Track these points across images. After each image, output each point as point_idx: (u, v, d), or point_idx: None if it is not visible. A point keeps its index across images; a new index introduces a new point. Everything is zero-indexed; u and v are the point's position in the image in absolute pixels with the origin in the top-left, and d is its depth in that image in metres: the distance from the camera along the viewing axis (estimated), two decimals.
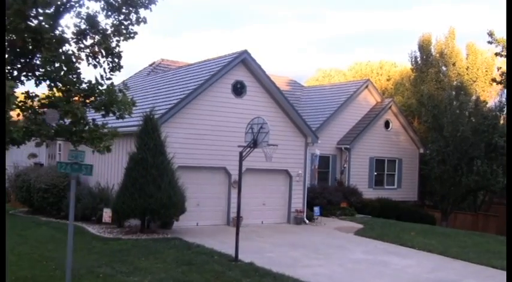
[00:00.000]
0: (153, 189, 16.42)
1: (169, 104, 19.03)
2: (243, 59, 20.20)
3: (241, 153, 14.08)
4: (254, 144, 14.00)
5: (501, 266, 14.70)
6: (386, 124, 29.74)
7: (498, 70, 24.60)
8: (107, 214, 17.83)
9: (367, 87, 29.64)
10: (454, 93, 27.57)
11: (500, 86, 26.91)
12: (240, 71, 20.30)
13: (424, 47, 29.57)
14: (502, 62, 25.98)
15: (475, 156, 26.44)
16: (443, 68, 29.58)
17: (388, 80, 41.67)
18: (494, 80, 25.50)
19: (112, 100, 10.26)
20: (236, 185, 19.38)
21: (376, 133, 29.26)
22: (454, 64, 28.95)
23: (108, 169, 20.33)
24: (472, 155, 27.03)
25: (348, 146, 27.80)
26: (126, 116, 10.18)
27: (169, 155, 17.47)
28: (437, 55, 29.54)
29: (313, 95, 31.41)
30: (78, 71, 9.69)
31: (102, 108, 10.31)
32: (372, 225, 21.78)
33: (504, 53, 20.72)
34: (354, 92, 28.95)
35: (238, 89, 20.23)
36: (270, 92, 20.93)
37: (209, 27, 74.84)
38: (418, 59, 30.02)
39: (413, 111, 32.99)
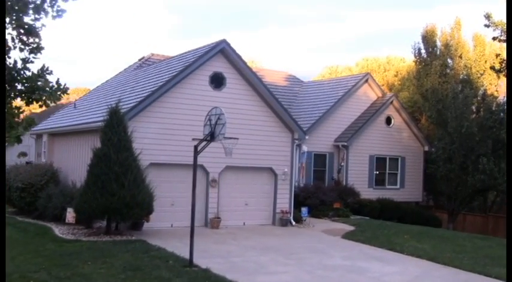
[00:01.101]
0: (115, 187, 15.23)
1: (141, 97, 17.83)
2: (222, 49, 18.89)
3: (196, 147, 12.79)
4: (211, 137, 12.68)
5: (496, 274, 13.18)
6: (388, 120, 28.11)
7: (497, 57, 22.79)
8: (70, 214, 16.74)
9: (367, 81, 28.05)
10: (459, 86, 25.76)
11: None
12: (219, 62, 19.00)
13: (427, 38, 27.86)
14: (500, 48, 24.18)
15: (481, 153, 24.68)
16: (449, 61, 27.80)
17: (395, 75, 39.92)
18: (492, 68, 23.69)
19: (33, 86, 9.11)
20: (215, 183, 18.15)
21: (377, 130, 27.65)
22: (460, 56, 27.15)
23: (80, 166, 19.24)
24: (478, 153, 25.28)
25: (345, 143, 26.27)
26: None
27: (137, 151, 16.28)
28: (443, 47, 27.79)
29: (311, 91, 29.95)
30: None
31: (23, 95, 9.17)
32: (364, 228, 20.26)
33: (503, 38, 18.96)
34: (352, 87, 27.38)
35: (217, 81, 18.93)
36: (253, 85, 19.58)
37: (229, 29, 73.54)
38: (422, 51, 28.32)
39: (420, 108, 31.26)
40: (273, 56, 73.60)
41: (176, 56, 22.24)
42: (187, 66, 18.15)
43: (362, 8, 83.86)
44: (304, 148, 21.29)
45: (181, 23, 69.99)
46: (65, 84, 9.94)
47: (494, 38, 18.73)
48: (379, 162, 27.84)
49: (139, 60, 27.70)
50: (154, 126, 17.69)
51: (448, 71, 27.89)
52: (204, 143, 12.93)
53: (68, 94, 10.58)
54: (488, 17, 19.70)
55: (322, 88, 29.38)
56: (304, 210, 20.63)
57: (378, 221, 23.32)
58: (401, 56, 42.60)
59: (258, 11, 76.70)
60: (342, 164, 26.46)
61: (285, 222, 19.92)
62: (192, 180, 18.54)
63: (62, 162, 21.74)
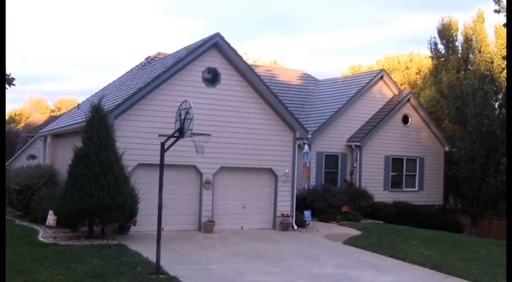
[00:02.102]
0: (94, 188, 14.45)
1: (128, 95, 17.03)
2: (216, 44, 17.93)
3: (162, 144, 11.83)
4: (180, 133, 11.70)
5: None
6: (405, 119, 26.58)
7: (506, 33, 20.94)
8: (51, 217, 16.07)
9: (382, 78, 26.60)
10: (477, 82, 24.01)
11: None
12: (212, 57, 18.04)
13: (444, 31, 26.19)
14: None
15: (504, 153, 22.93)
16: (471, 56, 26.02)
17: (417, 73, 38.11)
18: (505, 58, 21.90)
19: None
20: (209, 185, 17.20)
21: (393, 129, 26.17)
22: (479, 51, 25.37)
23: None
24: (502, 153, 23.52)
25: (358, 143, 24.90)
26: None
27: (120, 150, 15.48)
28: (464, 41, 26.04)
29: (325, 89, 28.67)
30: None
31: None
32: (371, 233, 18.92)
33: None
34: (366, 84, 25.99)
35: (211, 77, 17.97)
36: (250, 81, 18.54)
37: (267, 34, 72.27)
38: (439, 46, 26.67)
39: (443, 106, 29.55)
40: (304, 60, 72.25)
41: (172, 53, 21.42)
42: (178, 62, 17.27)
43: (402, 10, 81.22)
44: (306, 147, 20.06)
45: (205, 28, 69.35)
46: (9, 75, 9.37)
47: (505, 25, 17.09)
48: (396, 163, 26.34)
49: (146, 59, 27.05)
50: (143, 125, 16.84)
51: (469, 66, 26.11)
52: (172, 139, 11.85)
53: (14, 85, 9.93)
54: (498, 1, 18.07)
55: (336, 86, 28.09)
56: (307, 213, 19.42)
57: (390, 225, 21.88)
58: (424, 53, 40.80)
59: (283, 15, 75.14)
60: (355, 165, 25.09)
61: (285, 227, 18.76)
62: (183, 182, 17.77)
63: (61, 163, 21.19)
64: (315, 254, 14.91)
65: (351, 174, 25.09)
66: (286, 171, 19.00)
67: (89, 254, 12.87)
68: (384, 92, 26.71)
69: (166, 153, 17.17)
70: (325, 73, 66.39)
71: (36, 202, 18.38)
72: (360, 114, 25.91)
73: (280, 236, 17.74)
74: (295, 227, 19.05)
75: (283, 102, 19.32)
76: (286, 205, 19.07)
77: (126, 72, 27.39)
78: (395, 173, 26.39)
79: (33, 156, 30.06)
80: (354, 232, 19.06)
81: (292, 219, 19.13)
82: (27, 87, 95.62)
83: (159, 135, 12.62)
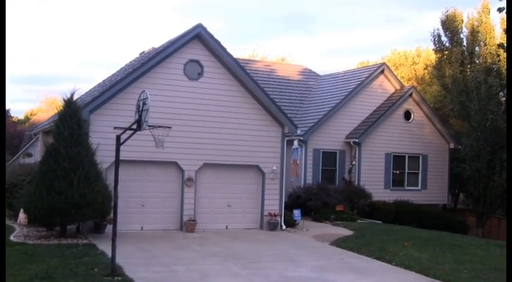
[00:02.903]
0: (63, 185, 13.82)
1: (106, 88, 16.37)
2: (198, 35, 17.18)
3: (118, 137, 11.09)
4: (138, 125, 10.95)
5: None
6: (407, 115, 25.52)
7: (506, 32, 19.70)
8: (22, 215, 15.47)
9: (383, 72, 25.57)
10: (481, 76, 22.83)
11: None
12: (195, 49, 17.30)
13: (448, 23, 25.01)
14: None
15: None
16: (477, 49, 24.81)
17: (425, 68, 36.85)
18: (501, 45, 20.69)
19: None
20: (191, 182, 16.48)
21: (394, 125, 25.14)
22: (485, 43, 24.15)
23: None
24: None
25: (356, 140, 23.92)
26: None
27: (94, 146, 14.84)
28: (469, 33, 24.84)
29: (325, 84, 27.74)
30: None
31: None
32: (362, 233, 18.00)
33: None
34: (365, 78, 24.99)
35: (193, 70, 17.23)
36: (236, 75, 17.74)
37: (287, 33, 70.99)
38: (443, 38, 25.50)
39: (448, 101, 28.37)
40: (316, 58, 70.86)
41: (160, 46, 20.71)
42: (157, 54, 16.57)
43: (421, 7, 79.12)
44: (296, 143, 19.18)
45: (226, 28, 68.40)
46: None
47: (499, 9, 15.99)
48: (397, 160, 25.31)
49: (140, 54, 26.40)
50: (120, 120, 15.98)
51: (476, 60, 24.91)
52: (129, 132, 11.13)
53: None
54: None
55: (336, 81, 27.14)
56: (296, 212, 18.59)
57: (387, 225, 20.93)
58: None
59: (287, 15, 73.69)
60: (353, 162, 24.13)
61: (273, 226, 17.93)
62: (164, 179, 17.06)
63: None
64: (296, 255, 14.07)
65: (350, 172, 24.14)
66: (274, 168, 18.16)
67: (51, 254, 12.23)
68: (385, 86, 25.68)
69: (146, 149, 16.59)
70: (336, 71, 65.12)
71: (17, 200, 17.85)
72: (359, 110, 24.94)
73: (265, 236, 16.92)
74: (284, 227, 18.21)
75: (271, 97, 18.51)
76: (274, 204, 18.22)
77: (120, 68, 26.80)
78: (396, 171, 25.37)
79: (29, 155, 29.75)
80: (346, 232, 18.16)
81: (281, 219, 18.29)
82: (47, 87, 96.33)
83: (114, 128, 11.85)
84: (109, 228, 15.74)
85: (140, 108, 10.89)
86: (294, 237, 17.13)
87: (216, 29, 68.21)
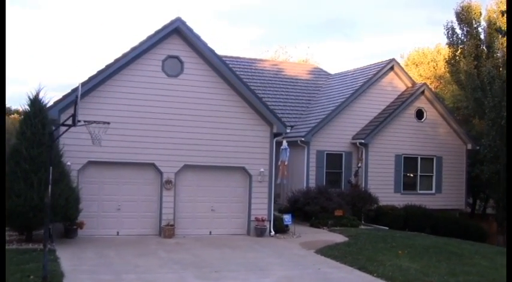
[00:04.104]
0: (23, 187, 13.18)
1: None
2: (178, 30, 16.28)
3: (50, 134, 10.23)
4: (73, 120, 10.07)
5: None
6: (419, 114, 23.89)
7: (503, 15, 17.86)
8: None
9: (392, 68, 24.03)
10: (495, 70, 21.04)
11: None
12: (174, 45, 16.41)
13: (463, 14, 23.21)
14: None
15: None
16: (496, 42, 22.96)
17: (445, 66, 34.81)
18: (498, 30, 18.79)
19: None
20: (170, 185, 15.57)
21: (405, 125, 23.56)
22: (504, 35, 22.19)
23: None
24: None
25: (362, 141, 22.49)
26: None
27: (61, 146, 14.14)
28: (487, 26, 23.01)
29: (335, 83, 26.40)
30: None
31: None
32: (357, 240, 16.63)
33: None
34: (373, 75, 23.52)
35: (172, 66, 16.33)
36: (219, 71, 16.74)
37: (327, 38, 69.35)
38: (457, 31, 23.73)
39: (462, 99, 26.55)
40: (343, 61, 68.90)
41: None
42: (133, 49, 15.72)
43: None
44: (285, 143, 17.97)
45: (266, 35, 67.38)
46: None
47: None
48: (409, 162, 23.69)
49: None
50: (93, 119, 15.31)
51: (494, 54, 23.08)
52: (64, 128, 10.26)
53: None
54: None
55: (345, 80, 25.77)
56: (286, 217, 17.38)
57: (390, 231, 19.45)
58: None
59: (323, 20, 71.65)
60: (359, 164, 22.69)
61: (260, 232, 16.79)
62: (141, 181, 16.20)
63: None
64: (269, 264, 12.90)
65: (356, 175, 22.71)
66: (262, 170, 17.02)
67: None
68: (396, 84, 24.14)
69: (121, 150, 15.81)
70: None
71: None
72: (367, 109, 23.48)
73: (248, 243, 15.78)
74: (273, 233, 17.04)
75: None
76: (262, 208, 17.09)
77: None
78: (408, 174, 23.75)
79: None
80: (339, 239, 16.82)
81: (270, 224, 17.13)
82: None
83: (54, 123, 10.99)
84: (84, 232, 15.07)
85: (76, 103, 9.98)
86: (279, 244, 15.94)
87: (258, 35, 67.68)
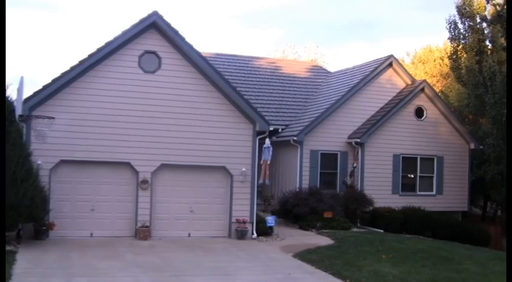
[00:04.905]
0: None
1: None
2: (155, 24, 15.73)
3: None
4: (14, 115, 9.55)
5: None
6: (418, 112, 22.95)
7: (488, 2, 16.61)
8: None
9: (391, 65, 23.14)
10: (496, 65, 19.99)
11: None
12: (152, 39, 15.85)
13: (464, 8, 22.13)
14: None
15: None
16: (502, 39, 21.85)
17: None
18: (483, 18, 17.54)
19: None
20: (146, 185, 15.02)
21: (403, 123, 22.65)
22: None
23: None
24: None
25: (358, 140, 21.66)
26: None
27: (30, 144, 13.71)
28: (492, 19, 21.91)
29: (333, 81, 25.60)
30: None
31: None
32: (342, 243, 15.88)
33: None
34: (370, 72, 22.67)
35: (149, 62, 15.76)
36: (199, 67, 16.14)
37: (350, 40, 68.18)
38: (459, 25, 22.68)
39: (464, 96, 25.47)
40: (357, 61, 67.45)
41: None
42: (108, 44, 15.21)
43: None
44: (267, 142, 17.26)
45: (285, 36, 66.48)
46: None
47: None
48: (408, 163, 22.77)
49: None
50: (66, 117, 14.91)
51: (499, 47, 21.99)
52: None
53: None
54: None
55: (343, 77, 24.97)
56: (269, 219, 16.69)
57: (382, 234, 18.70)
58: None
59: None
60: (355, 165, 21.86)
61: (241, 235, 16.11)
62: (117, 181, 15.68)
63: None
64: (238, 268, 12.24)
65: (351, 175, 21.87)
66: (243, 169, 16.35)
67: None
68: (394, 81, 23.25)
69: (96, 149, 15.32)
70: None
71: None
72: (364, 107, 22.63)
73: (226, 246, 15.12)
74: (255, 235, 16.35)
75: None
76: (244, 209, 16.41)
77: None
78: (407, 175, 22.83)
79: None
80: (325, 242, 16.08)
81: (252, 226, 16.45)
82: None
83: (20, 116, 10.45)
84: (56, 233, 14.62)
85: (14, 98, 9.45)
86: (259, 247, 15.25)
87: (279, 36, 67.01)
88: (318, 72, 27.87)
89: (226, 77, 24.16)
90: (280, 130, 22.42)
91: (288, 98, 24.93)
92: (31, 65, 58.11)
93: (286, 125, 22.76)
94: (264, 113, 22.48)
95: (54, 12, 66.84)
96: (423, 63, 37.30)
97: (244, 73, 25.55)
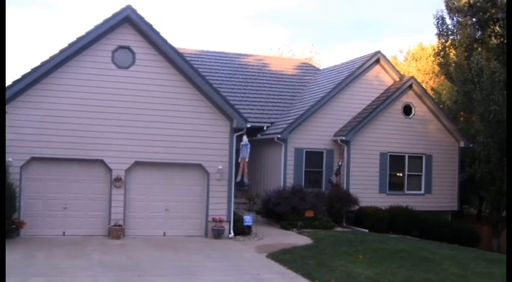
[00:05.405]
0: None
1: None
2: (128, 18, 15.39)
3: None
4: None
5: None
6: (406, 109, 22.53)
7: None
8: None
9: (378, 62, 22.72)
10: (484, 60, 19.53)
11: None
12: (125, 34, 15.52)
13: (452, 2, 21.63)
14: None
15: None
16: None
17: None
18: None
19: None
20: (119, 183, 14.68)
21: (391, 121, 22.24)
22: (495, 21, 20.54)
23: None
24: None
25: (343, 138, 21.27)
26: None
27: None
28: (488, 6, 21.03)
29: (321, 78, 25.21)
30: None
31: None
32: (320, 244, 15.50)
33: None
34: (356, 69, 22.28)
35: (122, 57, 15.43)
36: (174, 63, 15.79)
37: (354, 39, 67.47)
38: (447, 20, 22.22)
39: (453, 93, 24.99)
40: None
41: None
42: (79, 39, 14.87)
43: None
44: (245, 139, 16.89)
45: (290, 36, 66.08)
46: None
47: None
48: (395, 161, 22.35)
49: None
50: (36, 113, 14.61)
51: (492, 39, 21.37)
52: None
53: None
54: None
55: (330, 74, 24.60)
56: (247, 218, 16.33)
57: (364, 234, 18.33)
58: None
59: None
60: (340, 163, 21.45)
61: (217, 234, 15.75)
62: (90, 179, 15.34)
63: None
64: (206, 268, 11.89)
65: (336, 174, 21.47)
66: (220, 167, 15.99)
67: None
68: (382, 78, 22.84)
69: (68, 146, 15.00)
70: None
71: None
72: (351, 104, 22.22)
73: (200, 245, 14.75)
74: (232, 235, 15.99)
75: (215, 87, 16.41)
76: (220, 208, 16.04)
77: None
78: (394, 173, 22.42)
79: None
80: (303, 242, 15.71)
81: (229, 225, 16.09)
82: None
83: None
84: (24, 232, 14.31)
85: None
86: (234, 246, 14.88)
87: (285, 36, 66.53)
88: (307, 69, 27.50)
89: (211, 74, 24.22)
90: (265, 128, 22.15)
91: (275, 95, 24.56)
92: (31, 64, 57.87)
93: (272, 123, 22.40)
94: (249, 111, 22.31)
95: (53, 9, 66.56)
96: (416, 60, 36.82)
97: (230, 70, 25.21)
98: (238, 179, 16.83)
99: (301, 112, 21.41)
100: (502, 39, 18.63)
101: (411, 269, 12.85)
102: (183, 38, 62.69)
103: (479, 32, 20.67)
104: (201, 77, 15.90)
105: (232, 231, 16.07)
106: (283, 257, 13.34)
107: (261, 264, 12.67)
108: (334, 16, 68.61)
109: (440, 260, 14.32)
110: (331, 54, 65.04)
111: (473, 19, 20.33)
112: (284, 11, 67.33)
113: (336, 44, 68.38)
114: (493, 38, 20.25)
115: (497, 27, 17.45)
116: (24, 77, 14.41)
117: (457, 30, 22.16)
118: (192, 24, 66.24)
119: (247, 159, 16.84)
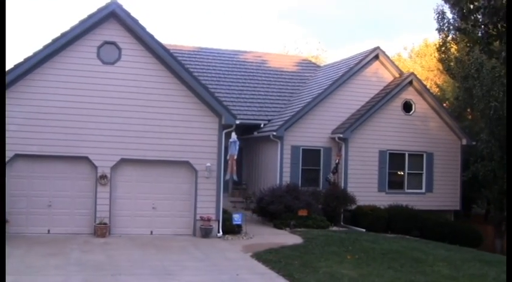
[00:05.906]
0: None
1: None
2: (114, 13, 15.11)
3: None
4: None
5: None
6: (406, 106, 22.00)
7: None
8: None
9: (377, 58, 22.21)
10: (484, 56, 18.90)
11: None
12: (111, 30, 15.25)
13: None
14: None
15: None
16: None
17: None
18: None
19: None
20: (105, 180, 14.44)
21: (390, 118, 21.73)
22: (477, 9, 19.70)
23: None
24: None
25: (341, 135, 20.82)
26: None
27: None
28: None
29: (320, 75, 24.77)
30: None
31: None
32: (309, 243, 15.10)
33: None
34: (355, 65, 21.79)
35: (108, 53, 15.17)
36: (161, 58, 15.49)
37: (366, 38, 66.90)
38: (448, 15, 21.61)
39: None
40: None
41: None
42: (64, 35, 14.65)
43: None
44: (234, 136, 16.52)
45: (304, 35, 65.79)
46: None
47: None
48: (395, 159, 21.84)
49: None
50: (21, 109, 14.42)
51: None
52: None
53: None
54: None
55: (329, 71, 24.15)
56: (236, 217, 15.96)
57: (359, 234, 17.82)
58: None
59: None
60: (337, 161, 21.01)
61: (205, 233, 15.43)
62: (75, 176, 15.13)
63: None
64: (184, 268, 11.59)
65: (334, 172, 21.03)
66: (208, 164, 15.66)
67: None
68: (381, 74, 22.33)
69: (52, 143, 14.81)
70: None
71: None
72: (349, 101, 21.75)
73: (185, 244, 14.42)
74: (220, 234, 15.65)
75: (203, 83, 16.13)
76: (209, 206, 15.72)
77: None
78: (394, 172, 21.90)
79: None
80: (293, 241, 15.33)
81: (218, 224, 15.75)
82: None
83: None
84: (8, 230, 14.04)
85: None
86: (220, 246, 14.54)
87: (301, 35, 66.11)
88: (307, 66, 27.07)
89: (209, 71, 23.94)
90: (262, 125, 21.80)
91: (273, 92, 24.19)
92: (15, 59, 57.43)
93: (269, 120, 22.04)
94: (246, 108, 22.00)
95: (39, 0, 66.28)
96: (420, 57, 36.15)
97: (228, 67, 24.89)
98: (227, 176, 16.49)
99: (298, 109, 21.01)
100: (485, 27, 18.04)
101: (400, 270, 12.43)
102: (197, 35, 62.35)
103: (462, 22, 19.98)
104: (189, 72, 15.59)
105: (221, 230, 15.73)
106: (268, 256, 12.98)
107: (243, 264, 12.33)
108: (347, 15, 67.96)
109: (433, 261, 13.87)
110: (339, 53, 64.52)
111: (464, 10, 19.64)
112: (298, 10, 66.94)
113: (347, 42, 67.77)
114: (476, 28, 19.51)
115: (478, 15, 16.89)
116: (7, 72, 14.20)
117: (458, 25, 21.47)
118: (216, 22, 66.16)
119: (235, 157, 16.49)
